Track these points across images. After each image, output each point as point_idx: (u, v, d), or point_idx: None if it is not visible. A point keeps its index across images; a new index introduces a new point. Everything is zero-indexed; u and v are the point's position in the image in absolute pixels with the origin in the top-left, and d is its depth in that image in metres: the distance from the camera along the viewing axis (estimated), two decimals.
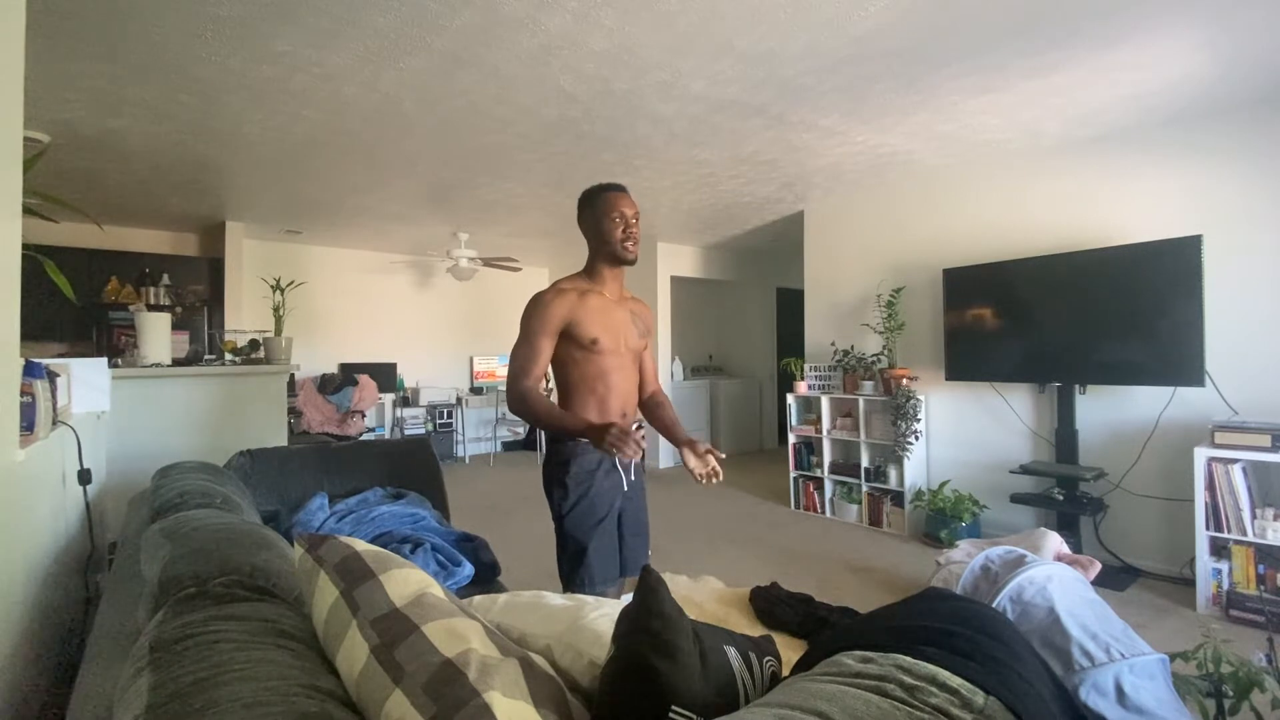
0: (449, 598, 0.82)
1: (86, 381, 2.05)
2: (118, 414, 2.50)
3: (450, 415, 6.64)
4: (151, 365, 2.80)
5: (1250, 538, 2.61)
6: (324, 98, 2.80)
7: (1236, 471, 2.64)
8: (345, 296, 6.31)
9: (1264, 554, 2.63)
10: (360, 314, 6.41)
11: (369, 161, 3.69)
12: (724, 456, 1.65)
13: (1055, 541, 2.43)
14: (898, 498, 3.99)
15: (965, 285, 3.73)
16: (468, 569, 1.91)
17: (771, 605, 1.78)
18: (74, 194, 4.11)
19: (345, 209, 4.81)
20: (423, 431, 6.35)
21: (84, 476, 1.79)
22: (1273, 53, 2.45)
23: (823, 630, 1.60)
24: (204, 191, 4.30)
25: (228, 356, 3.30)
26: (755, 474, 5.77)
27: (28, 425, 1.29)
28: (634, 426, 1.65)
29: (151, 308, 4.79)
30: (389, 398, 6.29)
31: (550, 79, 2.64)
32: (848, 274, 4.56)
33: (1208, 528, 2.70)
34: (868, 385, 4.17)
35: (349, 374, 5.92)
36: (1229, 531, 2.66)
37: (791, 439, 4.62)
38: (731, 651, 0.81)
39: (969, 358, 3.73)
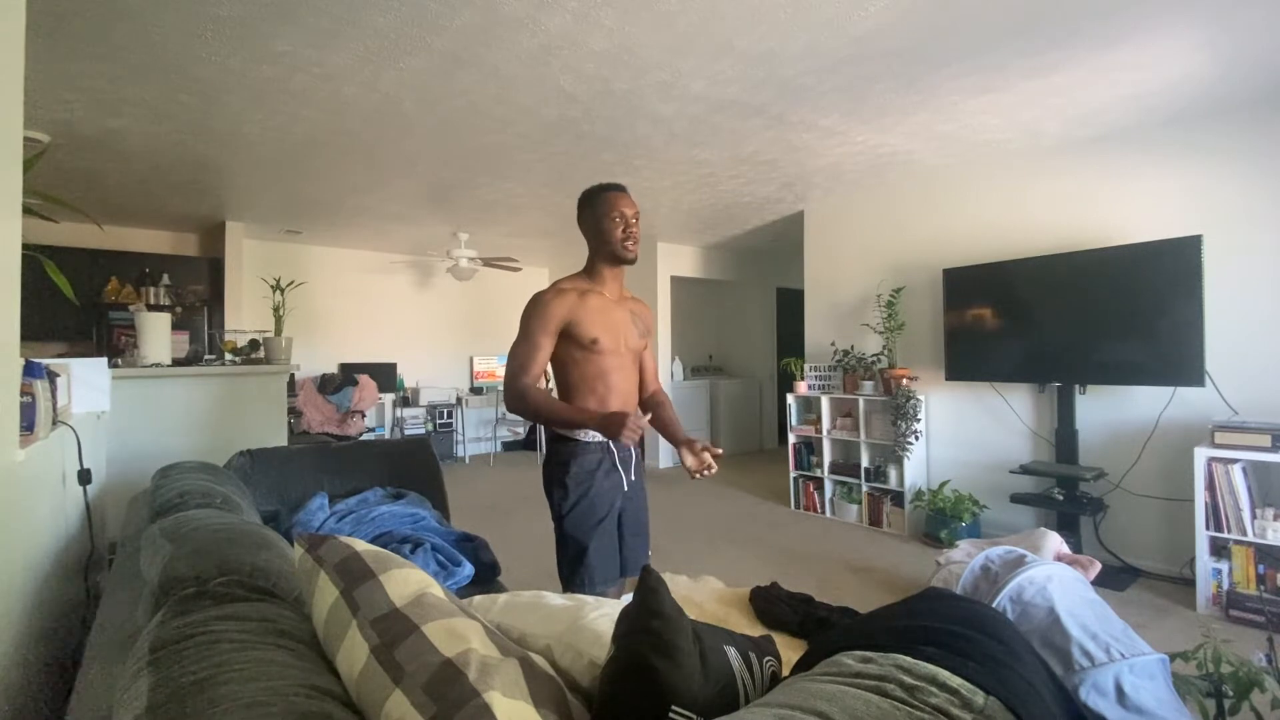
0: (449, 598, 0.82)
1: (86, 381, 2.04)
2: (118, 414, 2.50)
3: (450, 415, 6.64)
4: (151, 365, 2.80)
5: (1250, 538, 2.61)
6: (324, 98, 2.80)
7: (1236, 471, 2.64)
8: (345, 296, 6.31)
9: (1264, 554, 2.63)
10: (360, 314, 6.41)
11: (369, 161, 3.69)
12: (720, 453, 1.65)
13: (1055, 541, 2.42)
14: (898, 498, 3.99)
15: (965, 285, 3.73)
16: (468, 569, 1.91)
17: (771, 605, 1.78)
18: (74, 194, 4.12)
19: (345, 209, 4.81)
20: (423, 431, 6.35)
21: (84, 476, 1.78)
22: (1273, 53, 2.45)
23: (823, 630, 1.60)
24: (204, 191, 4.30)
25: (228, 356, 3.30)
26: (755, 474, 5.77)
27: (28, 425, 1.29)
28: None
29: (151, 308, 4.78)
30: (389, 398, 6.29)
31: (550, 79, 2.64)
32: (848, 274, 4.56)
33: (1208, 528, 2.70)
34: (868, 385, 4.17)
35: (349, 374, 5.92)
36: (1229, 531, 2.66)
37: (791, 439, 4.62)
38: (731, 651, 0.81)
39: (969, 358, 3.73)
